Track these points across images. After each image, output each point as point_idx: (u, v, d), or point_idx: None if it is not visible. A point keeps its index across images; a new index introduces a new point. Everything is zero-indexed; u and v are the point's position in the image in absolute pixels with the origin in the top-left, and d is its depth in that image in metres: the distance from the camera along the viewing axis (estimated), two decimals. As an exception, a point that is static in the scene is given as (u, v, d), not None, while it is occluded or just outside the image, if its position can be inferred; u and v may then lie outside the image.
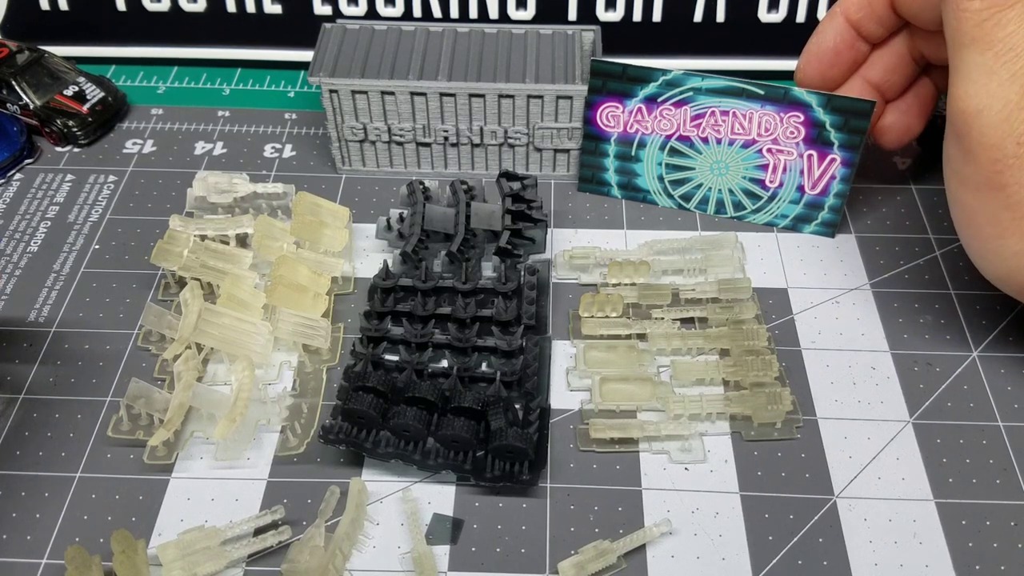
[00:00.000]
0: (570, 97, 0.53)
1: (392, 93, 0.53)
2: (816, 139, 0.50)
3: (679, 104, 0.51)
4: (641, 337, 0.48)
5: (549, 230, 0.53)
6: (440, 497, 0.41)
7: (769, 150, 0.52)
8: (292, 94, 0.64)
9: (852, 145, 0.50)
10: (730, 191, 0.54)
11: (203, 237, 0.51)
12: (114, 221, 0.54)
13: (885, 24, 0.47)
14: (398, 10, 0.63)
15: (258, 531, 0.40)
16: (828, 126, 0.50)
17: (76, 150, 0.60)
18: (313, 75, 0.53)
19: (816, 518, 0.41)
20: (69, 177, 0.58)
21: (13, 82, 0.59)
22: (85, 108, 0.60)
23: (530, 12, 0.63)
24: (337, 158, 0.57)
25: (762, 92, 0.50)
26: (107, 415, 0.44)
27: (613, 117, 0.53)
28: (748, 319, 0.48)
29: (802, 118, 0.50)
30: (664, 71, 0.50)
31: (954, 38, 0.40)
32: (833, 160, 0.51)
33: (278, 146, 0.60)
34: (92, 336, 0.48)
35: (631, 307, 0.49)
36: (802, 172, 0.52)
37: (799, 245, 0.53)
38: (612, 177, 0.55)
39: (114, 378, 0.46)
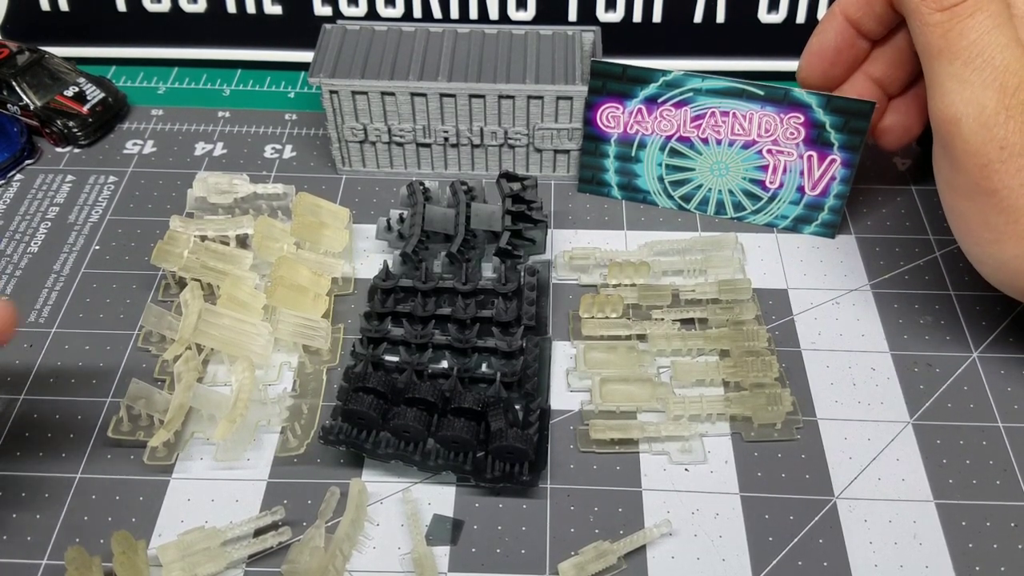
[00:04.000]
0: (570, 98, 0.53)
1: (392, 94, 0.53)
2: (816, 140, 0.50)
3: (679, 105, 0.51)
4: (641, 338, 0.48)
5: (549, 231, 0.53)
6: (440, 498, 0.41)
7: (769, 151, 0.52)
8: (292, 95, 0.64)
9: (852, 146, 0.50)
10: (730, 192, 0.54)
11: (203, 238, 0.51)
12: (114, 222, 0.54)
13: (884, 22, 0.47)
14: (398, 11, 0.63)
15: (258, 532, 0.40)
16: (828, 127, 0.50)
17: (76, 151, 0.60)
18: (313, 76, 0.53)
19: (816, 519, 0.41)
20: (69, 178, 0.58)
21: (13, 83, 0.59)
22: (85, 109, 0.60)
23: (530, 13, 0.63)
24: (337, 159, 0.57)
25: (762, 93, 0.50)
26: (107, 415, 0.44)
27: (613, 118, 0.53)
28: (748, 320, 0.48)
29: (802, 119, 0.50)
30: (664, 72, 0.50)
31: (923, 51, 0.41)
32: (833, 161, 0.51)
33: (278, 147, 0.60)
34: (92, 336, 0.48)
35: (631, 308, 0.49)
36: (802, 173, 0.52)
37: (799, 246, 0.53)
38: (612, 178, 0.55)
39: (114, 378, 0.46)
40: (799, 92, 0.49)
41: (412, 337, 0.45)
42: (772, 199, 0.53)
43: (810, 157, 0.51)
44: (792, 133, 0.51)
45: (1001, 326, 0.48)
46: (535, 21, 0.63)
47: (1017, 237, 0.40)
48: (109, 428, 0.43)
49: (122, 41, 0.66)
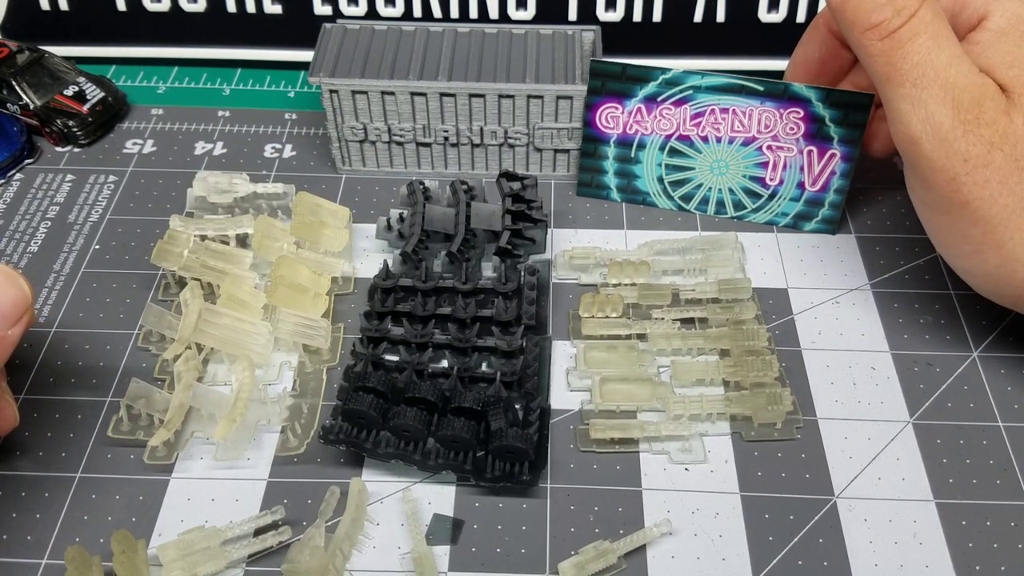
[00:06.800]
0: (570, 97, 0.53)
1: (392, 93, 0.53)
2: (816, 134, 0.50)
3: (679, 103, 0.51)
4: (641, 337, 0.48)
5: (549, 230, 0.53)
6: (440, 497, 0.41)
7: (769, 147, 0.52)
8: (292, 94, 0.64)
9: (851, 139, 0.50)
10: (730, 190, 0.54)
11: (203, 237, 0.51)
12: (114, 221, 0.54)
13: None
14: (398, 10, 0.63)
15: (258, 531, 0.40)
16: (828, 121, 0.50)
17: (76, 150, 0.60)
18: (313, 75, 0.53)
19: (816, 518, 0.41)
20: (69, 177, 0.58)
21: (13, 82, 0.59)
22: (85, 108, 0.60)
23: (530, 12, 0.63)
24: (337, 158, 0.57)
25: (761, 88, 0.50)
26: (107, 415, 0.44)
27: (612, 118, 0.53)
28: (748, 319, 0.48)
29: (802, 113, 0.50)
30: (664, 70, 0.50)
31: (875, 78, 0.42)
32: (833, 155, 0.51)
33: (278, 146, 0.60)
34: (92, 336, 0.48)
35: (631, 307, 0.49)
36: (802, 168, 0.52)
37: (799, 245, 0.53)
38: (611, 180, 0.55)
39: (114, 378, 0.46)
40: (798, 87, 0.49)
41: (412, 336, 0.45)
42: (772, 196, 0.53)
43: (810, 152, 0.51)
44: (792, 128, 0.51)
45: (1001, 326, 0.48)
46: (535, 21, 0.63)
47: (995, 247, 0.41)
48: (109, 428, 0.43)
49: (122, 41, 0.65)
